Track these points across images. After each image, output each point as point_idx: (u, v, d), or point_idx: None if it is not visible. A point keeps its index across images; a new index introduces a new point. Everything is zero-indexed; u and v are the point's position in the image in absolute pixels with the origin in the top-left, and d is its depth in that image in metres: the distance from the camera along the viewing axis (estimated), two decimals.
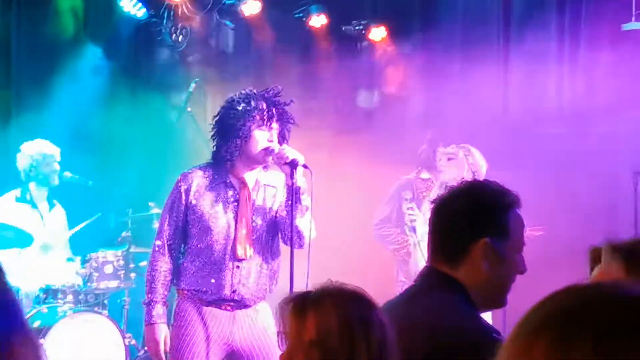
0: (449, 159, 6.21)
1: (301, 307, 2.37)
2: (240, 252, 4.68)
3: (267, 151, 4.71)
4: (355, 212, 7.53)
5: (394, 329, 2.50)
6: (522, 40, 8.01)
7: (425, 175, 6.89)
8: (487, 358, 2.39)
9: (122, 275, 7.02)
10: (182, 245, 4.83)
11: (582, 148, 7.32)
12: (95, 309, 6.88)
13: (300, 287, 4.58)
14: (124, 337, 6.74)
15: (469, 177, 5.99)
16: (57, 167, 7.30)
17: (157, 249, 4.76)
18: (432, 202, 2.80)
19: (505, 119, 8.08)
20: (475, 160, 6.20)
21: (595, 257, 2.03)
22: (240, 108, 4.70)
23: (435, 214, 2.76)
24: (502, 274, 2.70)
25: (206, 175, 4.79)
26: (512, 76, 8.07)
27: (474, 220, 2.66)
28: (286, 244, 4.78)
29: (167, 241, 4.76)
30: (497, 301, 2.77)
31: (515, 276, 2.74)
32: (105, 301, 7.05)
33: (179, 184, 4.78)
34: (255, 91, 4.81)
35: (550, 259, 6.41)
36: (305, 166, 4.69)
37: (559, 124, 7.80)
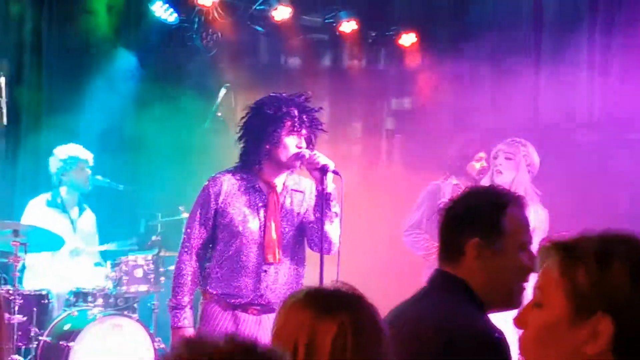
0: (507, 158, 6.15)
1: (283, 304, 2.42)
2: (269, 256, 4.67)
3: (298, 156, 4.70)
4: (386, 218, 7.51)
5: (402, 330, 2.62)
6: (553, 46, 7.97)
7: (454, 181, 6.87)
8: (484, 355, 2.40)
9: (152, 279, 7.03)
10: (210, 249, 4.83)
11: (615, 155, 7.27)
12: (125, 312, 6.90)
13: None
14: (153, 341, 6.76)
15: (525, 177, 6.01)
16: (89, 172, 7.33)
17: (184, 252, 4.77)
18: (437, 210, 2.93)
19: (537, 125, 8.03)
20: (531, 157, 6.16)
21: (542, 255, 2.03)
22: (270, 113, 4.69)
23: (440, 218, 2.88)
24: (503, 273, 2.77)
25: (235, 179, 4.78)
26: (544, 82, 8.02)
27: (465, 221, 2.78)
28: (313, 250, 4.78)
29: (194, 245, 4.76)
30: (507, 301, 2.82)
31: (525, 275, 2.79)
32: (135, 305, 7.07)
33: (208, 188, 4.78)
34: (285, 95, 4.80)
35: None
36: (335, 172, 4.67)
37: (592, 130, 7.74)
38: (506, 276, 2.78)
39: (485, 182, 6.12)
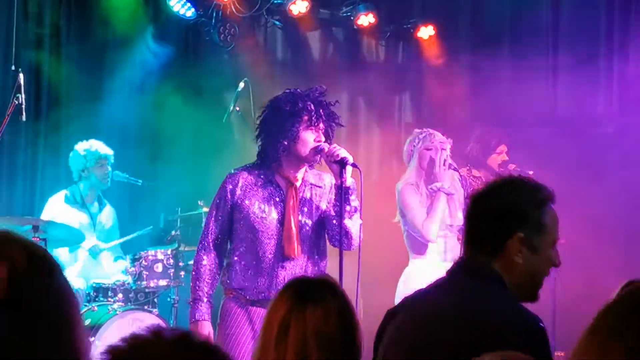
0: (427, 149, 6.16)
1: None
2: (288, 251, 4.67)
3: (317, 150, 4.69)
4: None
5: (432, 319, 2.67)
6: (571, 40, 7.93)
7: (476, 173, 6.89)
8: (538, 344, 2.41)
9: (171, 274, 7.04)
10: (229, 245, 4.85)
11: (633, 148, 7.23)
12: (145, 307, 6.92)
13: (351, 287, 4.60)
14: None
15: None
16: (109, 169, 7.34)
17: (202, 248, 4.80)
18: (470, 196, 2.89)
19: (555, 118, 8.00)
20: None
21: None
22: (287, 109, 4.69)
23: (473, 207, 2.83)
24: (536, 269, 2.77)
25: (252, 175, 4.79)
26: (561, 75, 7.99)
27: (509, 216, 2.74)
28: (334, 245, 4.77)
29: (212, 240, 4.79)
30: (530, 295, 2.83)
31: (549, 271, 2.81)
32: (155, 299, 7.09)
33: (225, 184, 4.80)
34: (300, 91, 4.80)
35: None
36: (354, 165, 4.67)
37: (609, 123, 7.71)
38: (539, 272, 2.79)
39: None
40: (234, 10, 8.35)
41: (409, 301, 2.89)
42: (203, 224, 4.96)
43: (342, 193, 4.63)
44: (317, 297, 2.59)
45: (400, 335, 2.76)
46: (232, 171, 4.86)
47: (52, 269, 1.90)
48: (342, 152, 4.64)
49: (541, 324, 2.64)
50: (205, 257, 4.77)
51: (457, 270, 2.82)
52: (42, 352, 1.77)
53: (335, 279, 2.78)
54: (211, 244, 4.79)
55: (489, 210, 2.77)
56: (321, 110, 4.72)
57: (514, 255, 2.71)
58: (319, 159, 4.74)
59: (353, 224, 4.69)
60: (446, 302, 2.73)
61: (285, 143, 4.68)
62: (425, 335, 2.67)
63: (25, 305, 1.79)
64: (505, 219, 2.74)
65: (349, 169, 4.64)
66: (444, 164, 5.93)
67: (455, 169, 6.13)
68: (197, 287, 4.74)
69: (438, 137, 6.12)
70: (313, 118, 4.68)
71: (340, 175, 4.62)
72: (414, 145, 6.15)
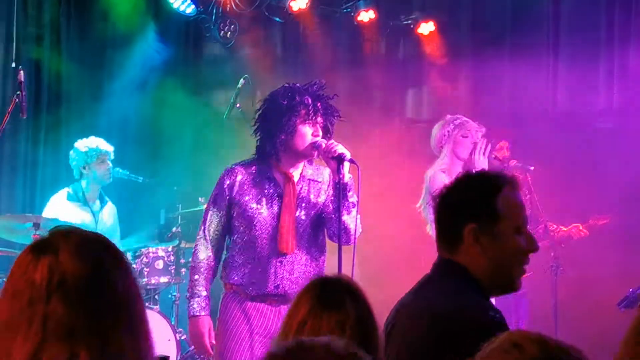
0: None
1: None
2: (283, 247, 4.68)
3: (314, 145, 4.68)
4: (404, 207, 7.50)
5: (405, 321, 2.74)
6: (571, 34, 7.92)
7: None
8: (489, 338, 2.41)
9: (172, 271, 7.06)
10: (228, 240, 4.86)
11: (634, 142, 7.22)
12: (146, 304, 6.93)
13: None
14: (175, 332, 6.79)
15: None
16: (110, 165, 7.34)
17: (200, 243, 4.80)
18: (432, 196, 2.96)
19: (555, 113, 8.00)
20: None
21: None
22: (284, 103, 4.69)
23: (435, 206, 2.89)
24: (501, 257, 2.78)
25: (250, 171, 4.78)
26: (562, 70, 7.98)
27: (460, 208, 2.80)
28: (332, 240, 4.77)
29: (210, 236, 4.79)
30: (505, 285, 2.86)
31: (523, 257, 2.82)
32: (157, 296, 7.10)
33: (223, 179, 4.80)
34: (298, 85, 4.79)
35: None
36: (352, 161, 4.65)
37: (610, 118, 7.70)
38: (505, 260, 2.79)
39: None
40: (234, 6, 8.36)
41: (397, 303, 2.94)
42: (201, 219, 4.95)
43: (340, 189, 4.62)
44: (336, 303, 2.60)
45: (388, 345, 2.80)
46: (230, 166, 4.85)
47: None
48: (340, 148, 4.63)
49: (494, 315, 2.66)
50: (203, 252, 4.78)
51: (432, 269, 2.89)
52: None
53: (358, 283, 2.78)
54: (209, 239, 4.79)
55: (445, 207, 2.84)
56: (319, 104, 4.71)
57: (470, 246, 2.74)
58: (316, 154, 4.73)
59: (351, 220, 4.68)
60: (410, 302, 2.85)
61: (283, 137, 4.67)
62: (397, 338, 2.77)
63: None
64: (456, 212, 2.80)
65: (346, 165, 4.63)
66: (483, 153, 5.88)
67: (497, 159, 6.11)
68: (194, 282, 4.74)
69: (473, 124, 6.08)
70: (310, 111, 4.67)
71: (337, 171, 4.61)
72: (448, 132, 6.09)
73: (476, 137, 5.97)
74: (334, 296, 2.62)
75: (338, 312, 2.57)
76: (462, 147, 6.01)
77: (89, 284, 1.86)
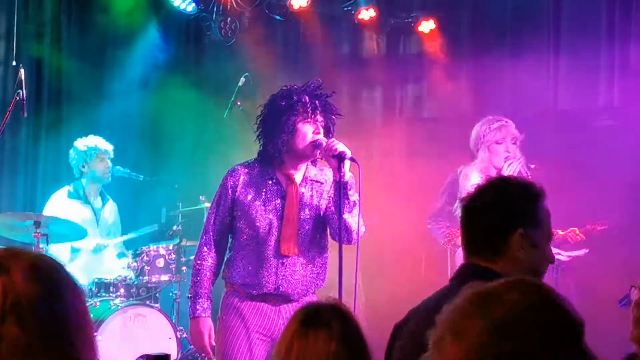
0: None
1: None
2: (285, 248, 4.68)
3: (315, 144, 4.68)
4: (406, 205, 7.51)
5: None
6: (572, 32, 7.91)
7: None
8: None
9: (173, 269, 7.06)
10: (230, 240, 4.86)
11: (633, 141, 7.22)
12: (147, 302, 6.94)
13: (349, 281, 4.61)
14: (175, 331, 6.79)
15: None
16: (109, 163, 7.35)
17: (203, 243, 4.80)
18: (461, 200, 2.87)
19: (555, 111, 7.99)
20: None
21: None
22: (283, 104, 4.70)
23: (468, 211, 2.80)
24: (537, 265, 2.76)
25: (253, 172, 4.79)
26: (562, 68, 7.97)
27: (509, 213, 2.73)
28: (334, 239, 4.77)
29: (213, 236, 4.80)
30: None
31: (547, 267, 2.81)
32: (157, 295, 7.10)
33: (226, 180, 4.81)
34: (296, 86, 4.80)
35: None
36: (352, 159, 4.64)
37: (611, 116, 7.69)
38: (540, 266, 2.77)
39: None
40: (234, 5, 8.36)
41: (413, 313, 2.83)
42: (205, 220, 4.96)
43: (340, 188, 4.62)
44: (322, 323, 2.62)
45: (404, 350, 2.71)
46: (233, 167, 4.86)
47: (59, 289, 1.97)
48: (340, 147, 4.63)
49: None
50: (206, 253, 4.78)
51: (459, 277, 2.78)
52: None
53: (348, 306, 2.79)
54: (212, 240, 4.79)
55: (485, 212, 2.74)
56: (316, 102, 4.71)
57: (517, 252, 2.68)
58: (318, 153, 4.73)
59: (352, 219, 4.68)
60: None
61: (285, 137, 4.67)
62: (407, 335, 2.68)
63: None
64: (503, 216, 2.71)
65: (347, 163, 4.62)
66: (510, 166, 5.89)
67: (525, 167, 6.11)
68: (196, 283, 4.75)
69: (510, 129, 6.07)
70: (309, 109, 4.68)
71: (338, 169, 4.61)
72: (484, 135, 6.10)
73: (509, 147, 5.98)
74: (318, 315, 2.66)
75: (323, 329, 2.60)
76: (497, 156, 6.04)
77: (43, 305, 1.88)
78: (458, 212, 5.80)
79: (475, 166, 6.14)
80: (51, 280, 1.92)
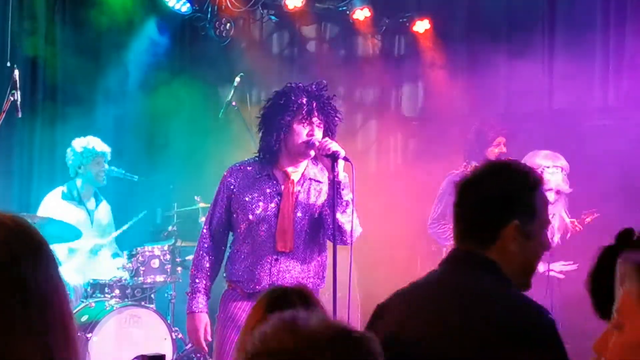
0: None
1: None
2: (280, 245, 4.69)
3: (309, 143, 4.70)
4: (402, 205, 7.51)
5: (439, 308, 2.58)
6: (567, 30, 7.91)
7: (475, 164, 6.86)
8: (548, 336, 2.31)
9: (168, 270, 7.05)
10: (229, 238, 4.91)
11: (629, 139, 7.22)
12: (142, 303, 6.93)
13: (344, 281, 4.60)
14: (171, 331, 6.78)
15: None
16: (106, 166, 7.34)
17: (203, 240, 4.86)
18: (458, 184, 2.77)
19: (551, 109, 7.99)
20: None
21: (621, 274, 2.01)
22: (281, 102, 4.73)
23: (464, 195, 2.74)
24: (530, 254, 2.70)
25: (252, 169, 4.83)
26: (557, 67, 7.97)
27: (504, 204, 2.66)
28: (330, 240, 4.77)
29: (212, 233, 4.86)
30: (524, 283, 2.73)
31: (543, 253, 2.75)
32: (152, 295, 7.09)
33: (225, 178, 4.87)
34: (297, 85, 4.81)
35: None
36: (346, 159, 4.65)
37: (605, 115, 7.69)
38: (533, 258, 2.72)
39: None
40: (229, 5, 8.35)
41: (400, 295, 2.77)
42: (202, 219, 4.99)
43: (334, 187, 4.63)
44: (286, 306, 2.60)
45: (404, 329, 2.63)
46: (233, 165, 4.91)
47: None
48: (334, 146, 4.64)
49: (549, 315, 2.57)
50: (204, 250, 4.84)
51: (453, 262, 2.73)
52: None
53: (311, 290, 2.78)
54: (211, 237, 4.85)
55: (482, 199, 2.69)
56: (314, 103, 4.72)
57: (509, 243, 2.63)
58: (312, 153, 4.74)
59: (346, 219, 4.67)
60: (442, 296, 2.64)
61: (280, 135, 4.71)
62: (440, 325, 2.56)
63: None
64: (500, 206, 2.65)
65: (340, 162, 4.63)
66: None
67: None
68: (194, 279, 4.80)
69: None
70: (304, 111, 4.69)
71: (332, 169, 4.62)
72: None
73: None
74: (283, 299, 2.64)
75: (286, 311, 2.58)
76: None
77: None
78: None
79: None
80: (3, 244, 1.62)
